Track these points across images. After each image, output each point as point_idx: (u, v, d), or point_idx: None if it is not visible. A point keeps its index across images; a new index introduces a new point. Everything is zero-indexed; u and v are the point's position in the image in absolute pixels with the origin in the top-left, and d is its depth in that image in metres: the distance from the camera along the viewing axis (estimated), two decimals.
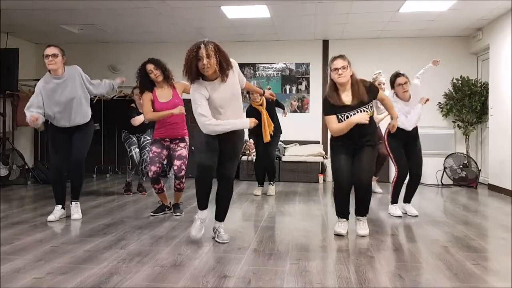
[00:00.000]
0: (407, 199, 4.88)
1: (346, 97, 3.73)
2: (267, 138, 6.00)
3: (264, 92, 4.68)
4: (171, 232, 4.00)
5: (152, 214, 4.68)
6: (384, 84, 5.83)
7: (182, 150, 4.59)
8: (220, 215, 3.70)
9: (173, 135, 4.61)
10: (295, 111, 8.72)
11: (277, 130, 6.19)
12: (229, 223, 4.35)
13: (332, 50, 8.37)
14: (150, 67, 4.46)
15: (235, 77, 3.45)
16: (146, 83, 4.50)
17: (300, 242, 3.68)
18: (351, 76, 3.76)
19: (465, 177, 7.41)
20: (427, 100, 4.95)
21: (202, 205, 3.61)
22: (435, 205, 5.57)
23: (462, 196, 6.35)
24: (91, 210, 5.01)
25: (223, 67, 3.29)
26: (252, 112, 5.91)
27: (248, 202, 5.62)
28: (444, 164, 7.48)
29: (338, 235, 3.86)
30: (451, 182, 7.50)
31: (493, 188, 6.93)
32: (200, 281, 2.71)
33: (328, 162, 8.06)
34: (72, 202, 4.60)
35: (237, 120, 3.47)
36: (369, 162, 3.79)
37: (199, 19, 7.13)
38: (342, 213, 3.95)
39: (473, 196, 6.40)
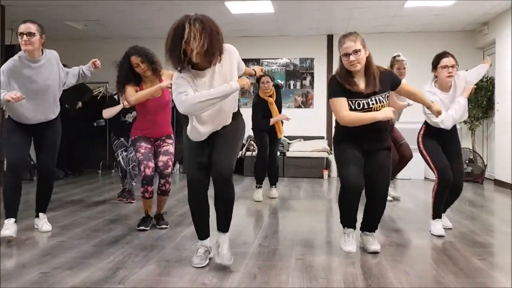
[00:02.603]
0: (445, 208, 3.95)
1: (359, 84, 3.05)
2: (280, 130, 5.53)
3: (255, 72, 3.77)
4: (175, 227, 4.00)
5: (143, 228, 3.84)
6: (404, 68, 4.90)
7: (169, 146, 3.96)
8: (222, 224, 2.94)
9: (159, 134, 4.01)
10: (299, 107, 8.70)
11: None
12: (234, 218, 4.31)
13: (336, 45, 8.32)
14: (136, 60, 3.76)
15: (233, 66, 2.82)
16: (130, 78, 3.82)
17: (304, 238, 3.67)
18: (368, 58, 3.06)
19: (471, 172, 7.38)
20: (474, 88, 3.90)
21: (203, 234, 2.96)
22: None
23: (468, 192, 6.33)
24: (96, 206, 5.03)
25: (209, 52, 2.61)
26: (259, 104, 5.38)
27: (252, 198, 5.62)
28: None
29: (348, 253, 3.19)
30: None
31: (499, 183, 6.89)
32: (206, 276, 2.72)
33: (332, 158, 8.03)
34: (40, 214, 3.86)
35: (221, 87, 2.71)
36: (387, 166, 3.14)
37: None
38: (350, 222, 3.22)
39: (479, 192, 6.37)
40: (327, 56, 8.53)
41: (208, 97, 2.65)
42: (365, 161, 3.10)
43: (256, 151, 5.69)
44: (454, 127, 3.83)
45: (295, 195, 5.97)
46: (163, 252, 3.21)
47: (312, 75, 8.70)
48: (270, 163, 5.53)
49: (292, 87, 8.73)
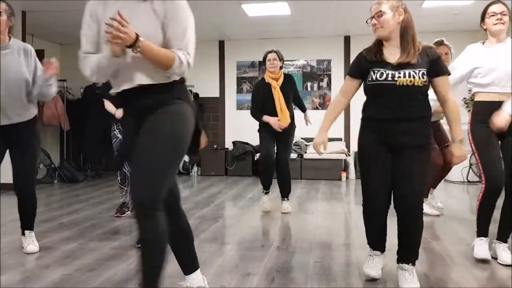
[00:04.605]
0: (502, 235, 3.07)
1: (390, 55, 2.50)
2: (285, 120, 4.43)
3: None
4: (194, 230, 4.00)
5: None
6: (447, 54, 4.29)
7: None
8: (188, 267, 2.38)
9: None
10: (316, 108, 8.68)
11: (293, 126, 4.65)
12: (252, 220, 4.36)
13: (353, 46, 8.29)
14: None
15: (167, 12, 1.88)
16: None
17: (323, 240, 3.66)
18: (401, 23, 2.49)
19: None
20: None
21: None
22: (460, 202, 5.47)
23: None
24: (116, 208, 5.08)
25: None
26: (260, 87, 4.49)
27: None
28: (470, 161, 7.34)
29: (369, 279, 2.67)
30: (477, 179, 7.36)
31: None
32: (225, 278, 2.73)
33: (351, 160, 7.99)
34: (26, 232, 3.36)
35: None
36: (419, 173, 2.43)
37: (220, 17, 7.15)
38: (377, 243, 2.68)
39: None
40: (344, 58, 8.49)
41: (87, 65, 1.95)
42: (392, 163, 2.49)
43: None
44: None
45: (313, 197, 5.95)
46: None
47: (329, 76, 8.67)
48: (279, 168, 4.62)
49: (309, 88, 8.71)
